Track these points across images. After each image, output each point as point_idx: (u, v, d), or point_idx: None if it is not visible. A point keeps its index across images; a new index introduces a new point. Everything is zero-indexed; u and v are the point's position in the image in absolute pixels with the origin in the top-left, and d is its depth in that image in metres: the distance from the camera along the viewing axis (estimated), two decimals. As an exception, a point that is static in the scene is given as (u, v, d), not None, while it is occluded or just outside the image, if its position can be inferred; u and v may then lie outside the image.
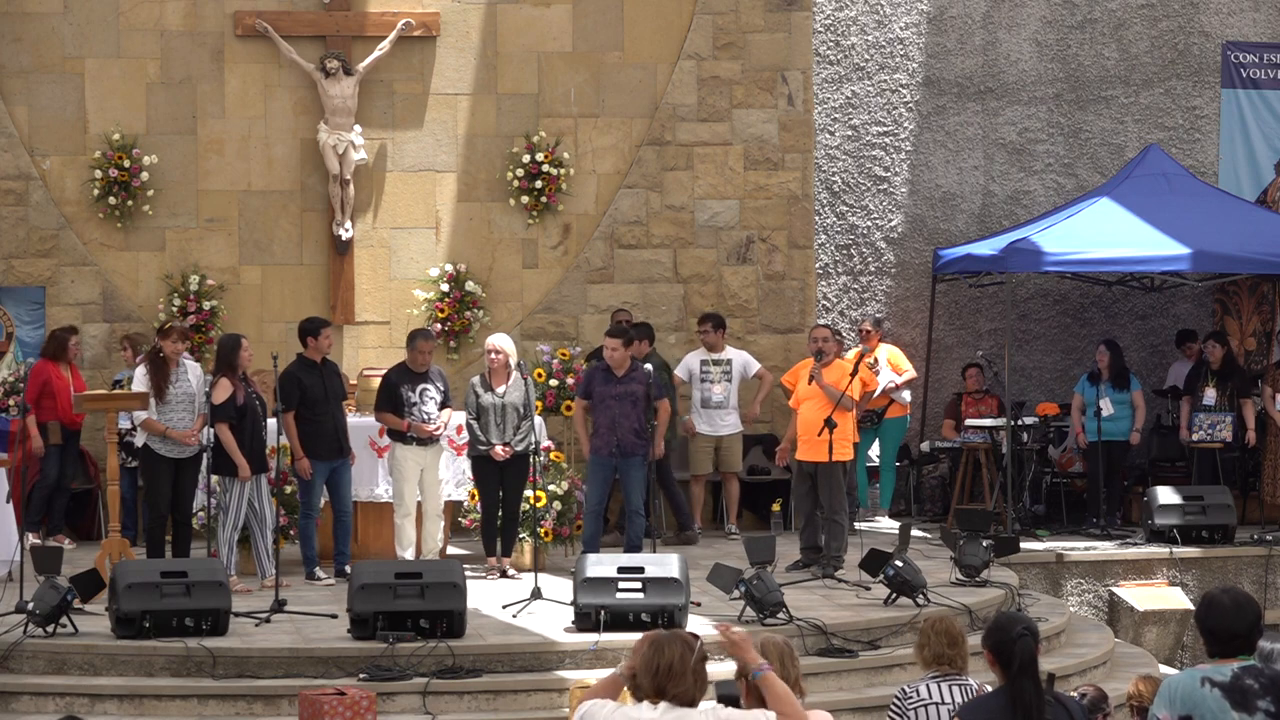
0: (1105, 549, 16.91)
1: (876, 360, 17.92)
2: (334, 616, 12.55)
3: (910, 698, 7.76)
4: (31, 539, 15.09)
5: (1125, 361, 18.11)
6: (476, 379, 14.60)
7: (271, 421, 13.98)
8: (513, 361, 14.59)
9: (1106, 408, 17.57)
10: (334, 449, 14.24)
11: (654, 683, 6.09)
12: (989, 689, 7.10)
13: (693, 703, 6.10)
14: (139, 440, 13.97)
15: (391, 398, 14.42)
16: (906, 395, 18.38)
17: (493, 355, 14.50)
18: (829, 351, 14.89)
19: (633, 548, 14.48)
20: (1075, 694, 8.96)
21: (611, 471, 14.71)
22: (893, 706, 7.83)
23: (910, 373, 18.32)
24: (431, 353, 14.74)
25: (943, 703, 7.69)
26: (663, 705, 6.07)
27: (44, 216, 17.18)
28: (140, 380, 13.86)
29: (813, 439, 14.62)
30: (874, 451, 18.41)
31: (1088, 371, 18.12)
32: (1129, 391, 17.80)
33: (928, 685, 7.79)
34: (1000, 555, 14.60)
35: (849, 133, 19.52)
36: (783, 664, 6.55)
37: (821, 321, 15.62)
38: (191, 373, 13.97)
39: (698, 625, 12.30)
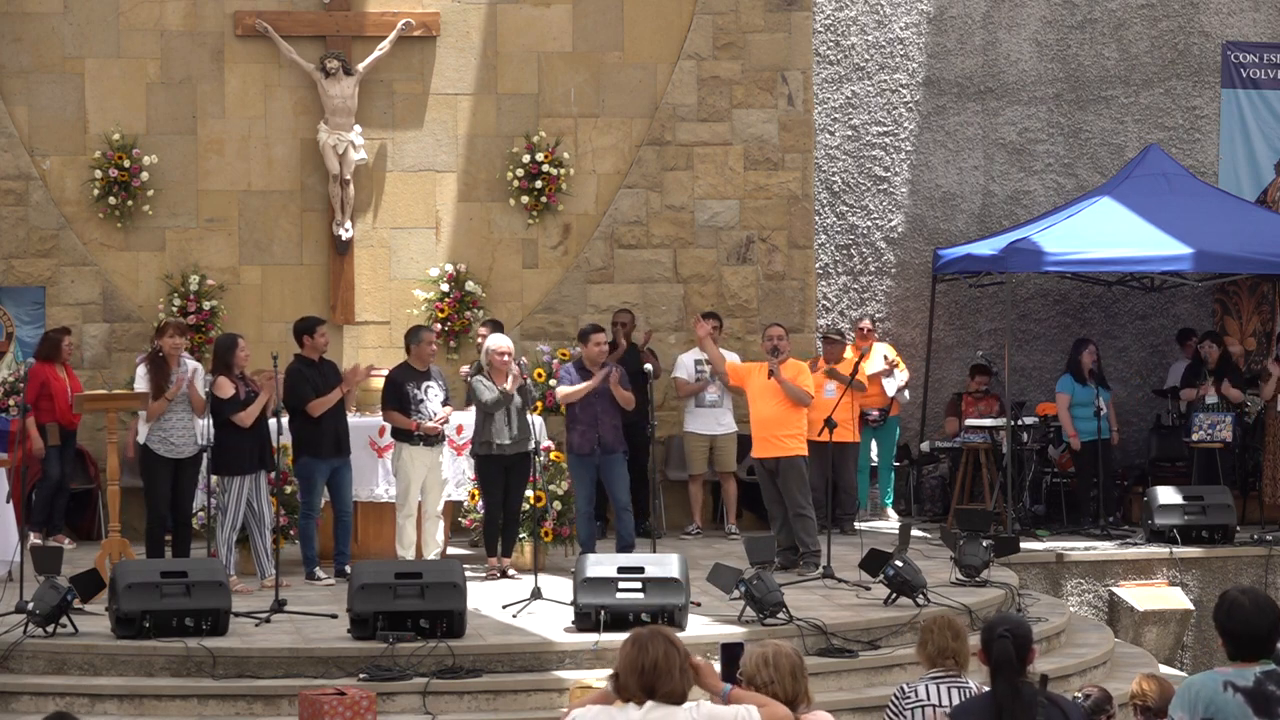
0: (1105, 549, 16.91)
1: (894, 360, 18.16)
2: (334, 616, 12.54)
3: (908, 697, 7.75)
4: (33, 539, 15.10)
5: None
6: (481, 377, 14.55)
7: (271, 421, 13.96)
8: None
9: (1102, 407, 17.58)
10: (334, 448, 14.24)
11: (640, 682, 6.02)
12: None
13: (681, 699, 6.05)
14: (141, 436, 13.94)
15: (398, 396, 14.41)
16: (907, 394, 18.47)
17: (504, 357, 14.45)
18: (784, 350, 14.88)
19: (624, 545, 14.47)
20: (1080, 694, 8.96)
21: (594, 470, 14.71)
22: (890, 705, 7.83)
23: (905, 371, 18.45)
24: (436, 345, 14.78)
25: (940, 705, 7.68)
26: (648, 704, 6.01)
27: (44, 216, 17.18)
28: (141, 380, 13.87)
29: (768, 436, 14.69)
30: (873, 450, 18.46)
31: (1068, 371, 18.06)
32: (1109, 391, 17.88)
33: (926, 686, 7.78)
34: (1000, 555, 14.59)
35: (849, 133, 19.52)
36: (794, 677, 6.50)
37: (774, 322, 15.62)
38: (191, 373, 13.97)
39: (698, 625, 12.31)
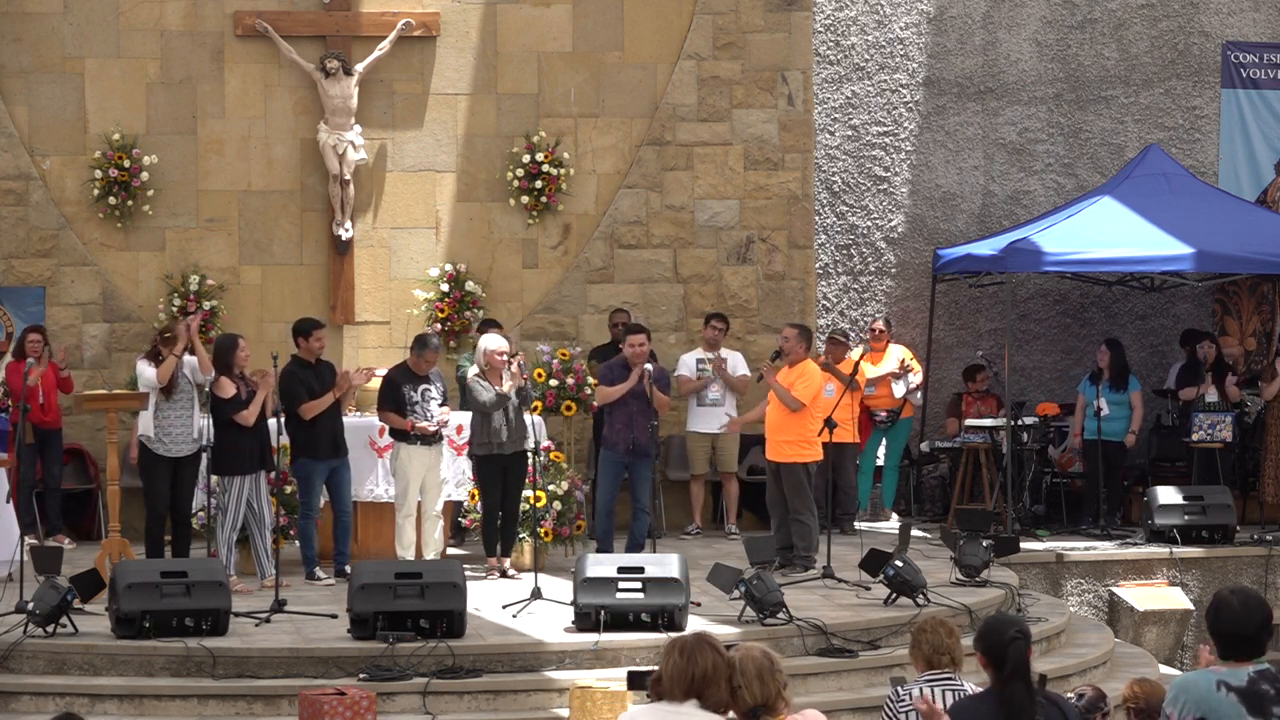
0: (1105, 549, 16.91)
1: (906, 362, 18.17)
2: (334, 616, 12.55)
3: (903, 700, 7.74)
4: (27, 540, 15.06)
5: (1126, 361, 18.10)
6: (478, 378, 14.54)
7: (270, 421, 13.96)
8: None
9: (1103, 408, 17.57)
10: (331, 449, 14.24)
11: (686, 690, 5.99)
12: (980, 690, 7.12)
13: (725, 709, 6.02)
14: (144, 425, 13.90)
15: (395, 397, 14.41)
16: (919, 395, 18.49)
17: (504, 357, 14.46)
18: (788, 351, 14.81)
19: (635, 545, 14.48)
20: (1074, 694, 8.96)
21: (624, 469, 14.72)
22: (886, 708, 7.82)
23: (919, 374, 18.45)
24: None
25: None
26: (691, 703, 6.00)
27: (44, 216, 17.18)
28: (145, 369, 13.81)
29: (771, 439, 14.75)
30: (880, 450, 18.45)
31: (1090, 371, 18.13)
32: (1127, 392, 17.81)
33: (921, 689, 7.77)
34: (1000, 555, 14.59)
35: (849, 133, 19.52)
36: (761, 680, 6.36)
37: (791, 322, 15.60)
38: (189, 367, 13.94)
39: (698, 625, 12.30)
